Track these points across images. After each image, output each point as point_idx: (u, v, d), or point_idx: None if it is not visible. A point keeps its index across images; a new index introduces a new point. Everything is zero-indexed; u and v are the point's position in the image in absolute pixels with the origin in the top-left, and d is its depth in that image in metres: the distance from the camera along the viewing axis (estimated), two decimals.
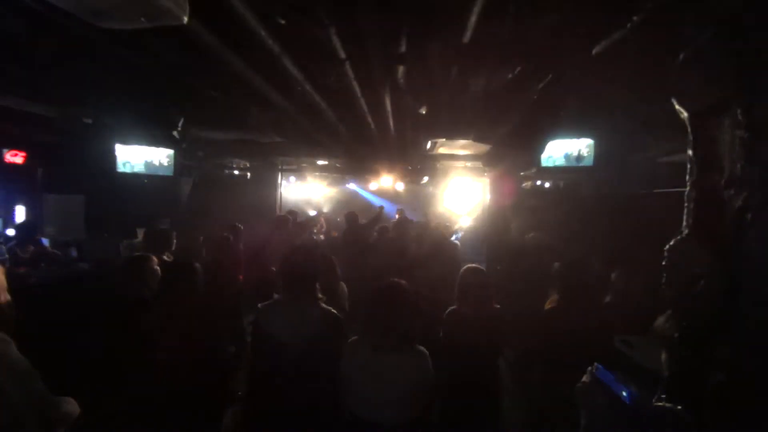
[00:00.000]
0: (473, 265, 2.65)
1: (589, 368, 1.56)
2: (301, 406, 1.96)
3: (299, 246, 2.30)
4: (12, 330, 1.58)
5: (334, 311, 2.08)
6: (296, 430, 1.99)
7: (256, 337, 2.10)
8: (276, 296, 2.24)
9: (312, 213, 8.63)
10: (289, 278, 2.11)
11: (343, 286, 3.08)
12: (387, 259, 4.59)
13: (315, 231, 7.46)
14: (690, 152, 1.49)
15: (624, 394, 1.27)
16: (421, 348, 1.92)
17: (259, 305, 2.16)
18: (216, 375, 2.32)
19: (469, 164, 7.38)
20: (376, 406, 1.84)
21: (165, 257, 3.48)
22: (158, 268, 2.76)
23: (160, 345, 2.28)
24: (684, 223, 1.50)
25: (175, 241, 3.73)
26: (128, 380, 2.42)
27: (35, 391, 1.48)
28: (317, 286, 2.16)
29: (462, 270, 2.62)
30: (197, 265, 2.49)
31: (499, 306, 2.57)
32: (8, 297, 1.70)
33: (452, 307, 2.60)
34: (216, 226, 4.82)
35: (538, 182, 7.57)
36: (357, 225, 6.07)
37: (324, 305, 2.09)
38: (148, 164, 4.87)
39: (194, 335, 2.28)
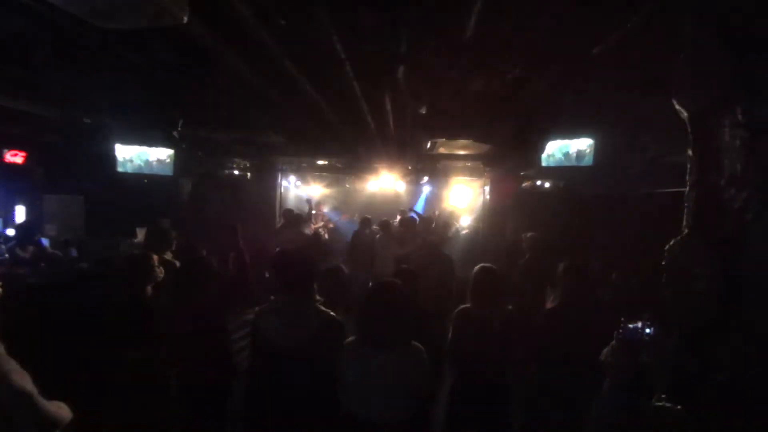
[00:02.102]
0: (487, 264, 2.66)
1: (616, 332, 1.62)
2: (298, 407, 1.96)
3: (295, 249, 2.31)
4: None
5: (332, 313, 2.07)
6: (295, 430, 1.99)
7: (253, 338, 2.10)
8: (272, 297, 2.24)
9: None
10: (285, 280, 2.11)
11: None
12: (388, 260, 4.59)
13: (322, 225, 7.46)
14: (690, 152, 1.49)
15: (648, 331, 1.41)
16: (418, 345, 1.92)
17: (257, 307, 2.16)
18: (223, 358, 2.44)
19: (469, 164, 7.38)
20: (374, 404, 1.85)
21: (165, 256, 3.49)
22: (158, 266, 2.79)
23: (170, 335, 2.37)
24: (684, 223, 1.50)
25: (174, 240, 3.73)
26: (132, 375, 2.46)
27: (24, 394, 1.43)
28: (315, 287, 2.15)
29: (476, 269, 2.63)
30: (212, 263, 2.62)
31: (510, 308, 2.57)
32: None
33: (464, 305, 2.60)
34: (216, 226, 4.82)
35: (538, 182, 7.57)
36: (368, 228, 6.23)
37: (322, 307, 2.08)
38: (147, 164, 4.86)
39: (203, 326, 2.36)
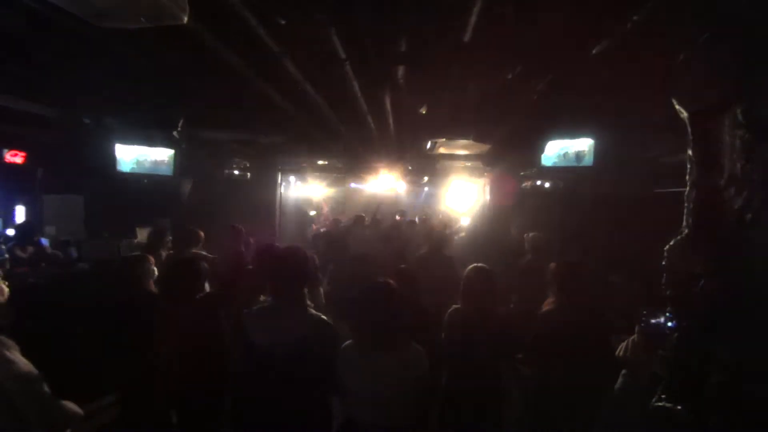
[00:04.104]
0: (479, 264, 2.63)
1: (637, 326, 1.61)
2: (287, 412, 1.91)
3: (287, 248, 2.24)
4: (6, 332, 1.57)
5: (324, 317, 2.03)
6: None
7: (242, 341, 2.07)
8: (262, 299, 2.21)
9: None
10: (275, 282, 2.06)
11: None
12: (387, 260, 4.60)
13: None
14: (690, 152, 1.49)
15: (669, 324, 1.41)
16: (417, 347, 1.91)
17: (245, 310, 2.12)
18: (217, 362, 2.41)
19: (469, 164, 7.38)
20: (373, 407, 1.83)
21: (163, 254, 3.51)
22: (155, 267, 2.80)
23: (165, 337, 2.36)
24: (684, 223, 1.50)
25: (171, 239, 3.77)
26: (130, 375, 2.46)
27: (38, 393, 1.48)
28: (305, 290, 2.11)
29: (467, 269, 2.60)
30: (203, 262, 2.60)
31: (504, 308, 2.55)
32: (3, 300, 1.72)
33: (455, 306, 2.59)
34: (216, 226, 4.83)
35: (538, 182, 7.57)
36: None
37: (313, 311, 2.04)
38: (147, 164, 4.86)
39: (198, 328, 2.35)
